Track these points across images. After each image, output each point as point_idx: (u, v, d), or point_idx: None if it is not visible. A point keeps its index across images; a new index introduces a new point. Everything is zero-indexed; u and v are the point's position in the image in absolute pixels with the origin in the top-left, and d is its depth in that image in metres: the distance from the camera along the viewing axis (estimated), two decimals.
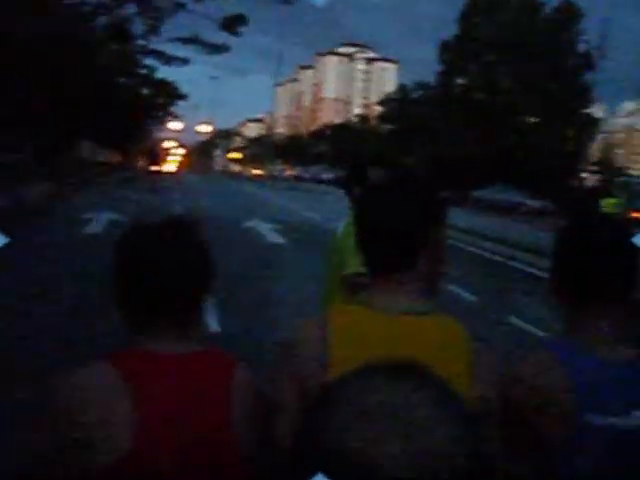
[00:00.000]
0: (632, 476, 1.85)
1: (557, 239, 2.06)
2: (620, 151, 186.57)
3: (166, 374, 1.70)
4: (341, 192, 3.97)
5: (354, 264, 3.93)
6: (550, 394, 1.84)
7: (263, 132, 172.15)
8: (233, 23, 39.60)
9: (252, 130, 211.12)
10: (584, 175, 73.41)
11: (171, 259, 1.74)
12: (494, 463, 1.71)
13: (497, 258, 19.02)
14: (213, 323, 8.92)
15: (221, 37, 62.03)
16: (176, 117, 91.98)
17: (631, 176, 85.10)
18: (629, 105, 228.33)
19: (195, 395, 1.70)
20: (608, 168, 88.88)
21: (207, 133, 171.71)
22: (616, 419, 1.82)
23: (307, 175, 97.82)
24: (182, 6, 39.06)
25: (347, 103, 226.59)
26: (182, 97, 77.66)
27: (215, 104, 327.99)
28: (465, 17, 61.86)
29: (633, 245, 1.96)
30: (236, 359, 1.85)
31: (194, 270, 1.78)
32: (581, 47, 59.51)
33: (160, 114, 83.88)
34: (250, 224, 22.32)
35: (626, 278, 1.96)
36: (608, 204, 29.85)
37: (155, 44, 44.46)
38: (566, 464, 1.82)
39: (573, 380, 1.83)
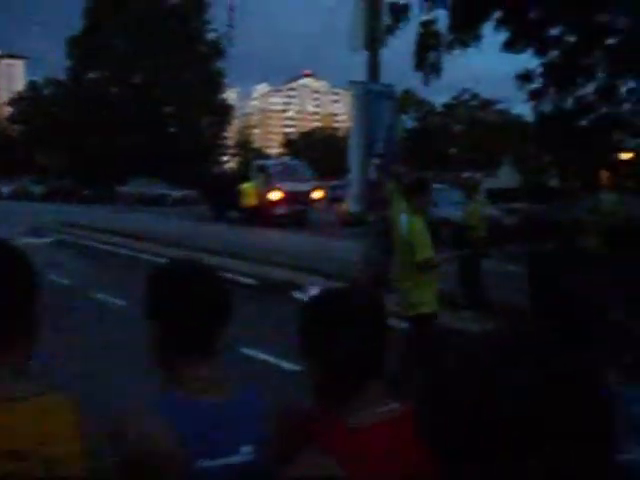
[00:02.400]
0: None
1: (149, 287, 2.05)
2: (257, 132, 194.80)
3: None
4: None
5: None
6: (157, 449, 1.85)
7: None
8: None
9: None
10: (225, 159, 75.82)
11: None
12: None
13: (146, 257, 18.97)
14: None
15: None
16: None
17: (268, 157, 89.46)
18: (261, 88, 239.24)
19: None
20: (246, 151, 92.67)
21: None
22: (226, 459, 1.91)
23: None
24: None
25: None
26: None
27: None
28: (92, 9, 60.56)
29: (216, 287, 2.08)
30: None
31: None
32: (210, 35, 61.08)
33: None
34: None
35: (218, 322, 2.05)
36: (245, 188, 30.72)
37: None
38: None
39: (179, 431, 1.87)
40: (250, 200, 30.07)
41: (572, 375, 0.89)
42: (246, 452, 1.94)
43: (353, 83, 14.36)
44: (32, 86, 77.48)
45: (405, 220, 7.34)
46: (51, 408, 1.65)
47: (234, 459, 1.92)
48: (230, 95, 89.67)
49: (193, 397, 1.94)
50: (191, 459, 1.87)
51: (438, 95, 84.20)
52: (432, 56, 15.63)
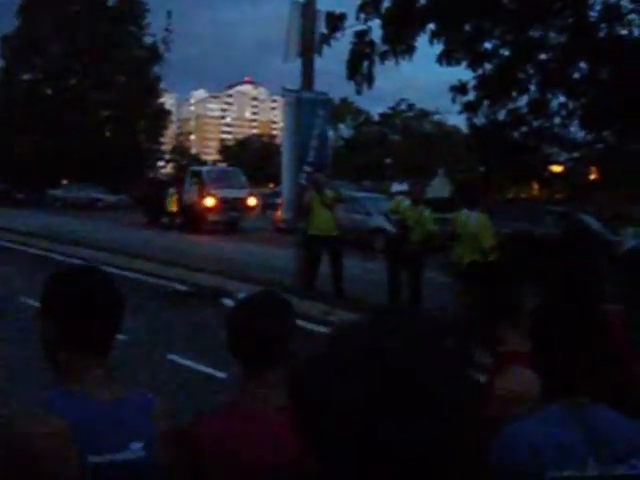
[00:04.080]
0: None
1: (45, 288, 2.09)
2: (193, 137, 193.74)
3: None
4: None
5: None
6: (48, 444, 1.86)
7: None
8: None
9: None
10: (161, 165, 75.23)
11: None
12: None
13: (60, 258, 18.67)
14: None
15: None
16: None
17: (205, 163, 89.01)
18: (199, 93, 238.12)
19: None
20: (182, 156, 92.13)
21: None
22: (115, 455, 1.93)
23: None
24: None
25: None
26: None
27: None
28: (25, 9, 59.54)
29: (108, 292, 2.07)
30: None
31: None
32: (148, 40, 60.58)
33: None
34: None
35: (109, 323, 2.06)
36: (172, 193, 30.75)
37: None
38: None
39: (70, 426, 1.88)
40: (173, 205, 30.18)
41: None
42: (136, 448, 1.97)
43: (286, 91, 14.35)
44: None
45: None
46: None
47: (123, 455, 1.95)
48: (167, 100, 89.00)
49: (85, 394, 1.97)
50: (81, 454, 1.89)
51: (376, 105, 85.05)
52: (365, 66, 15.71)
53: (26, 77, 60.00)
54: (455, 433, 0.91)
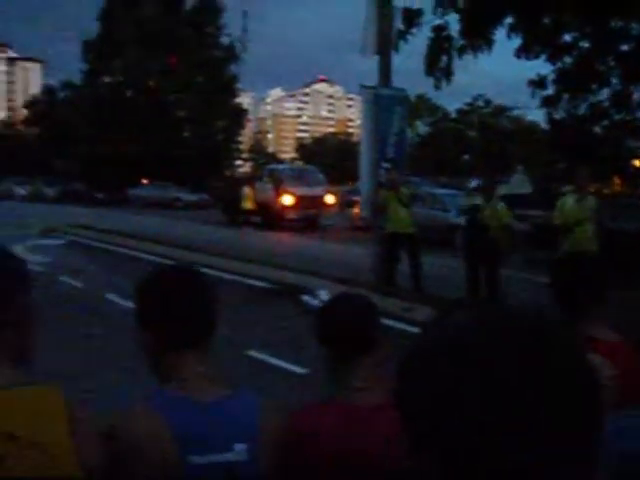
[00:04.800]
0: None
1: (136, 296, 2.12)
2: (270, 136, 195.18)
3: None
4: None
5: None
6: (152, 445, 1.88)
7: None
8: None
9: None
10: (238, 163, 76.02)
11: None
12: None
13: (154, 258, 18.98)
14: None
15: None
16: None
17: (281, 161, 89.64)
18: (275, 92, 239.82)
19: None
20: (259, 155, 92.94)
21: None
22: (219, 456, 1.93)
23: None
24: None
25: None
26: None
27: None
28: (106, 13, 60.88)
29: (201, 292, 2.09)
30: None
31: None
32: (224, 40, 61.28)
33: None
34: None
35: (204, 322, 2.08)
36: (247, 191, 31.07)
37: None
38: None
39: (172, 426, 1.90)
40: (249, 204, 30.48)
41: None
42: (240, 450, 1.96)
43: (363, 88, 14.35)
44: (47, 89, 77.97)
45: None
46: (38, 397, 1.72)
47: (227, 456, 1.94)
48: (244, 99, 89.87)
49: (188, 395, 1.98)
50: (181, 454, 1.89)
51: (452, 101, 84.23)
52: (443, 61, 15.58)
53: (107, 80, 61.36)
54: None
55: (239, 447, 1.96)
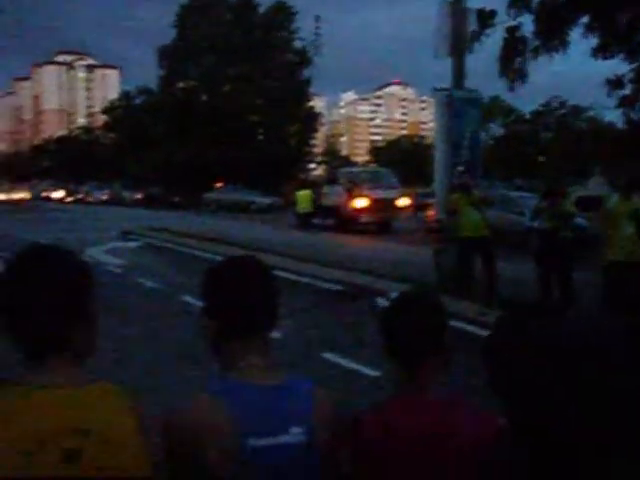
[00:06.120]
0: None
1: (204, 285, 2.19)
2: (344, 139, 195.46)
3: None
4: None
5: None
6: (212, 429, 1.96)
7: None
8: None
9: None
10: (312, 167, 76.30)
11: None
12: None
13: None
14: None
15: None
16: None
17: (355, 164, 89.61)
18: (347, 96, 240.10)
19: None
20: (333, 158, 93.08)
21: None
22: (275, 438, 2.01)
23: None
24: None
25: (71, 113, 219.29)
26: None
27: None
28: (181, 20, 61.91)
29: (264, 283, 2.18)
30: None
31: None
32: (297, 44, 61.68)
33: None
34: None
35: (266, 311, 2.17)
36: (300, 195, 31.32)
37: None
38: None
39: (231, 410, 1.98)
40: (303, 206, 30.69)
41: None
42: (296, 433, 2.04)
43: (437, 90, 14.31)
44: (125, 95, 79.55)
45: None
46: (106, 394, 1.84)
47: (283, 439, 2.02)
48: (317, 103, 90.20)
49: (244, 380, 2.07)
50: (240, 437, 1.97)
51: (526, 102, 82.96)
52: (517, 62, 15.44)
53: (182, 85, 62.32)
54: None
55: (295, 430, 2.03)
